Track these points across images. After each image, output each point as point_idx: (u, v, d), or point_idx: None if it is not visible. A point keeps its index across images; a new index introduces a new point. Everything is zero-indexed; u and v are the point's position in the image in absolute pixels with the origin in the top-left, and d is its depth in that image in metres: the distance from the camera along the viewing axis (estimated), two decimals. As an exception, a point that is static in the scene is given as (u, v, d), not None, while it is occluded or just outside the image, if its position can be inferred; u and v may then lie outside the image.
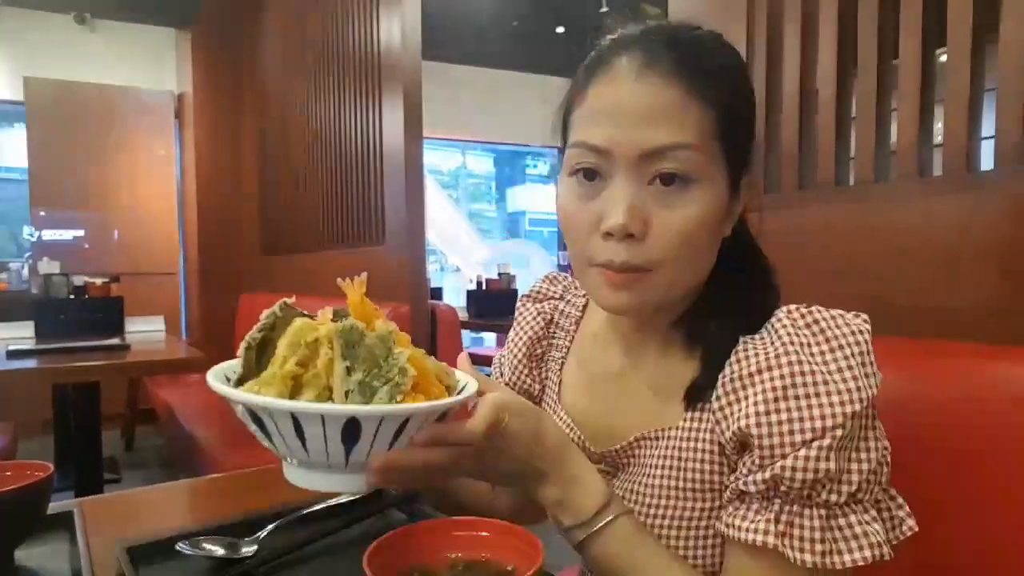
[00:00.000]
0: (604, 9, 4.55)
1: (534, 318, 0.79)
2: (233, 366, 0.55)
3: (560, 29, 5.39)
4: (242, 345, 0.54)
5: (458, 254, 7.34)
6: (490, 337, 5.88)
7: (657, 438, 0.63)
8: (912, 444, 0.70)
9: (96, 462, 2.38)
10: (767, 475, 0.52)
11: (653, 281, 0.57)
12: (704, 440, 0.60)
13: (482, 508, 0.77)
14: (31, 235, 4.39)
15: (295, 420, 0.46)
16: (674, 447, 0.61)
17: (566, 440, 0.59)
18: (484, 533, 0.54)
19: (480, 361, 0.83)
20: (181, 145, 4.62)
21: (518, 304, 0.82)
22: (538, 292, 0.81)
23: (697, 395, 0.60)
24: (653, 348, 0.66)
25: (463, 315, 3.92)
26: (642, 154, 0.55)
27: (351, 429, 0.46)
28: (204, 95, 4.14)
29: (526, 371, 0.78)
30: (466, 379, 0.58)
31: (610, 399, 0.69)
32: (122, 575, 0.62)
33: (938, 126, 0.95)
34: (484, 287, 4.46)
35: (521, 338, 0.78)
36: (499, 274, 4.52)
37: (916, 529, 0.55)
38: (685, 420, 0.61)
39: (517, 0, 4.93)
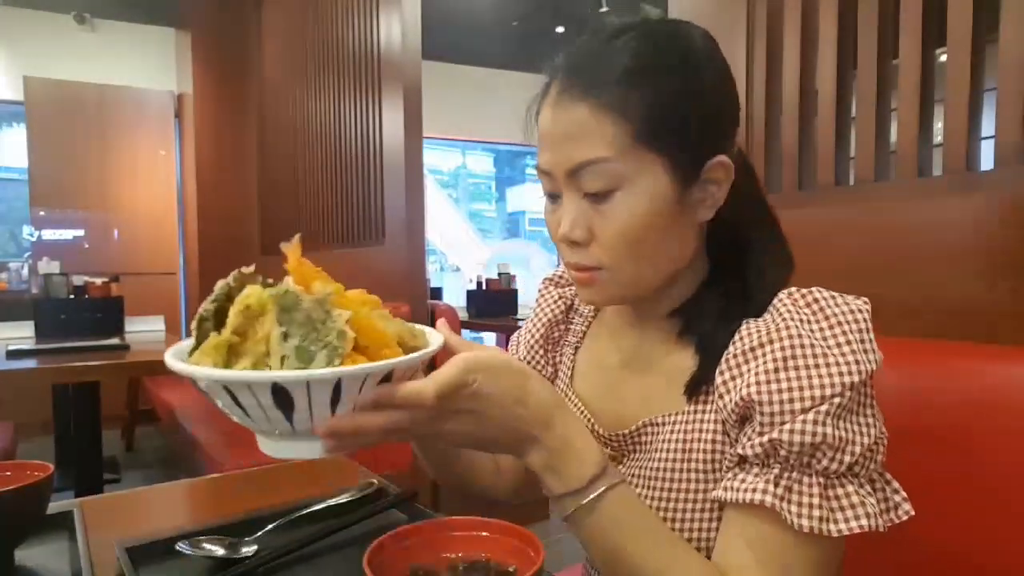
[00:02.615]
0: (604, 9, 4.55)
1: (555, 302, 0.81)
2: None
3: (560, 29, 5.39)
4: (195, 318, 0.52)
5: (458, 254, 7.34)
6: (490, 337, 5.88)
7: (663, 423, 0.64)
8: (912, 443, 0.70)
9: (96, 462, 2.38)
10: (766, 439, 0.53)
11: (606, 280, 0.62)
12: (709, 422, 0.61)
13: (486, 484, 0.78)
14: (31, 235, 4.40)
15: (228, 390, 0.45)
16: (680, 431, 0.62)
17: (556, 400, 0.55)
18: (484, 533, 0.54)
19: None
20: (181, 145, 4.63)
21: (540, 286, 0.85)
22: (560, 277, 0.84)
23: (696, 388, 0.62)
24: (655, 337, 0.69)
25: (463, 315, 3.92)
26: (567, 172, 0.60)
27: (281, 396, 0.45)
28: (204, 95, 4.14)
29: (541, 352, 0.80)
30: (440, 341, 0.55)
31: (617, 386, 0.70)
32: (122, 575, 0.62)
33: (938, 126, 0.95)
34: (484, 287, 4.45)
35: (540, 320, 0.81)
36: (499, 274, 4.51)
37: (912, 513, 0.54)
38: (690, 405, 0.63)
39: (517, 0, 4.93)
